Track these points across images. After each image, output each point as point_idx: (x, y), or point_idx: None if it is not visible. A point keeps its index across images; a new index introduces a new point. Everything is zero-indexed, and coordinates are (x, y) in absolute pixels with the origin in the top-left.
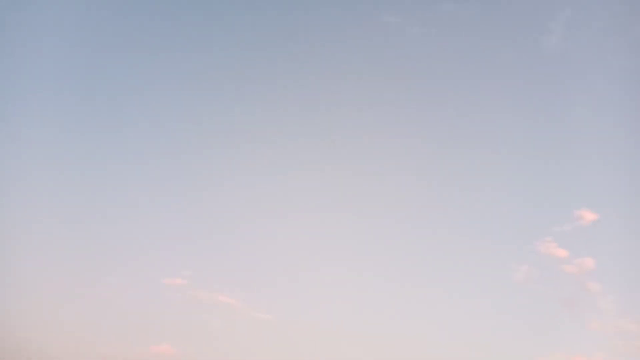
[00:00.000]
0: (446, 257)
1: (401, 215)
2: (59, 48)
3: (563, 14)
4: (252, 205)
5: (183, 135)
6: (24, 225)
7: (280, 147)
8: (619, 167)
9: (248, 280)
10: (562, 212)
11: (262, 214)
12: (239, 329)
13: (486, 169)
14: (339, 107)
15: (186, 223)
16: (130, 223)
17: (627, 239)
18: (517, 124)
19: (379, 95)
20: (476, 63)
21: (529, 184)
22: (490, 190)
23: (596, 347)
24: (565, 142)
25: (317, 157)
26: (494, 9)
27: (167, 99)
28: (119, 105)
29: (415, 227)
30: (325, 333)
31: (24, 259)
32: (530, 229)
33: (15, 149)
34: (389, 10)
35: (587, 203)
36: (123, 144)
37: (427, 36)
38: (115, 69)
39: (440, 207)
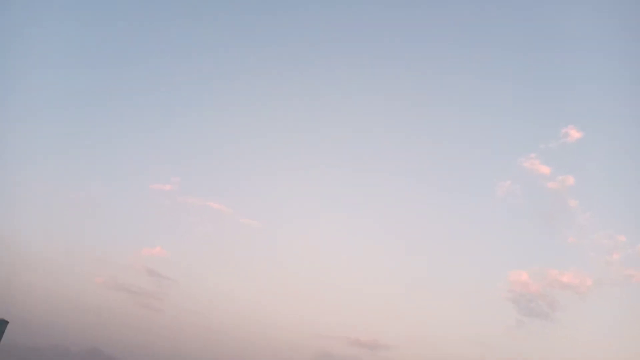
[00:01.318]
0: (431, 170)
1: (386, 132)
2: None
3: None
4: (244, 117)
5: (183, 49)
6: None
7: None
8: (606, 87)
9: (236, 188)
10: (549, 129)
11: (252, 127)
12: (227, 233)
13: (474, 86)
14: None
15: (175, 131)
16: (119, 131)
17: (609, 158)
18: (505, 44)
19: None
20: None
21: (517, 102)
22: (478, 107)
23: (570, 261)
24: (553, 62)
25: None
26: None
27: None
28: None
29: (400, 143)
30: (309, 240)
31: (14, 163)
32: (516, 146)
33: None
34: None
35: (574, 121)
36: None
37: None
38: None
39: (426, 124)
